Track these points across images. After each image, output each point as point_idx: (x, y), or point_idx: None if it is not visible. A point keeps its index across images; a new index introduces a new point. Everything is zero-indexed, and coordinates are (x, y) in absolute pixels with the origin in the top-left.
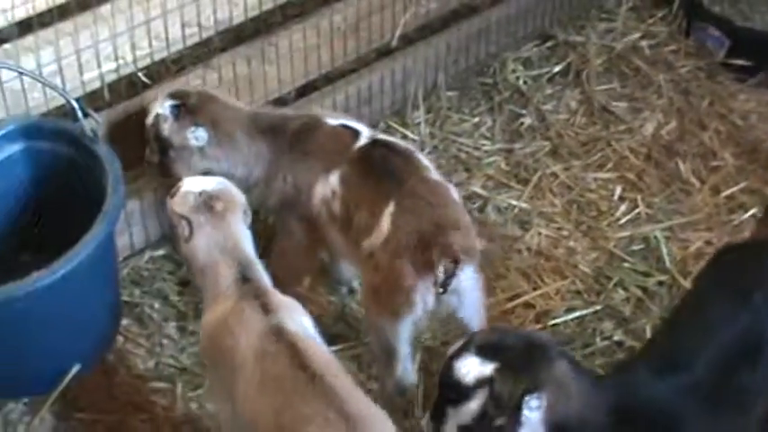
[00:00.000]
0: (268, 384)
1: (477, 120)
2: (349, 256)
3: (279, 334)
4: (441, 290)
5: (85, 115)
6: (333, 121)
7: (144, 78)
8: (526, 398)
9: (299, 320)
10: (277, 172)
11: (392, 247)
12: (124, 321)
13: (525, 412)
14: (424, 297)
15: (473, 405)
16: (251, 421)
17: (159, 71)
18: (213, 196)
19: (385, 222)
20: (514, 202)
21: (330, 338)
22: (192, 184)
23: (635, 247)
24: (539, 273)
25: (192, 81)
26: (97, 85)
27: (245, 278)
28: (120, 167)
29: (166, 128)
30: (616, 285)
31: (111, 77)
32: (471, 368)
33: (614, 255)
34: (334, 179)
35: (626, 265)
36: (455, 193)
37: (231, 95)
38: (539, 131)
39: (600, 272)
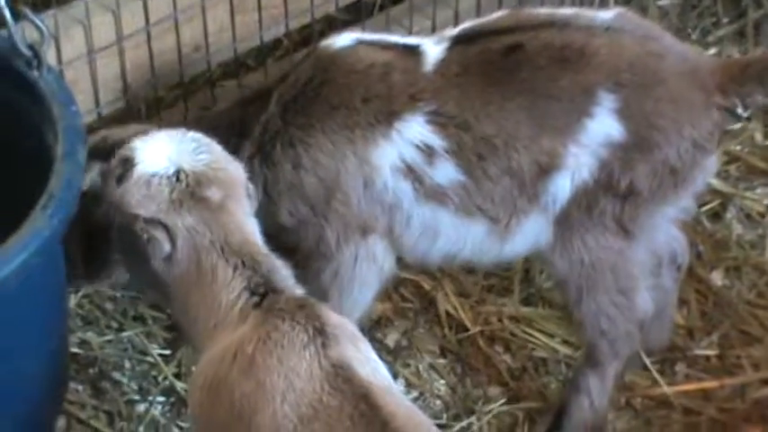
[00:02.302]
0: None
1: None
2: (472, 243)
3: (344, 377)
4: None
5: (17, 16)
6: (349, 41)
7: None
8: None
9: (367, 356)
10: (273, 167)
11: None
12: (72, 388)
13: None
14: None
15: None
16: None
17: None
18: (203, 179)
19: (610, 125)
20: None
21: None
22: (152, 157)
23: None
24: None
25: None
26: None
27: (269, 287)
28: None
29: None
30: None
31: None
32: None
33: None
34: (415, 128)
35: None
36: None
37: None
38: None
39: None
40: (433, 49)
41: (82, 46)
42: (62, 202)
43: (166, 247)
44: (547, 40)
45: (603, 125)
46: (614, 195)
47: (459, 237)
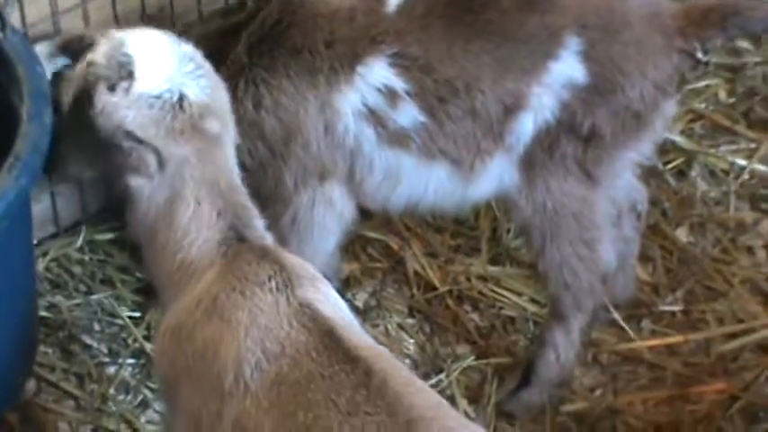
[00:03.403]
0: (292, 393)
1: None
2: (442, 189)
3: (310, 316)
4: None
5: None
6: None
7: None
8: None
9: (329, 296)
10: (235, 104)
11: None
12: (42, 351)
13: None
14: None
15: None
16: None
17: None
18: (205, 110)
19: (573, 67)
20: (742, 162)
21: None
22: (152, 74)
23: None
24: None
25: None
26: None
27: (239, 236)
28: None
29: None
30: None
31: None
32: None
33: None
34: (378, 72)
35: None
36: None
37: None
38: None
39: None
40: None
41: (46, 7)
42: (28, 164)
43: (153, 168)
44: None
45: (567, 67)
46: (577, 137)
47: (421, 180)
